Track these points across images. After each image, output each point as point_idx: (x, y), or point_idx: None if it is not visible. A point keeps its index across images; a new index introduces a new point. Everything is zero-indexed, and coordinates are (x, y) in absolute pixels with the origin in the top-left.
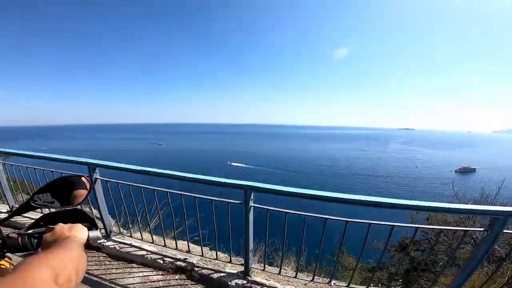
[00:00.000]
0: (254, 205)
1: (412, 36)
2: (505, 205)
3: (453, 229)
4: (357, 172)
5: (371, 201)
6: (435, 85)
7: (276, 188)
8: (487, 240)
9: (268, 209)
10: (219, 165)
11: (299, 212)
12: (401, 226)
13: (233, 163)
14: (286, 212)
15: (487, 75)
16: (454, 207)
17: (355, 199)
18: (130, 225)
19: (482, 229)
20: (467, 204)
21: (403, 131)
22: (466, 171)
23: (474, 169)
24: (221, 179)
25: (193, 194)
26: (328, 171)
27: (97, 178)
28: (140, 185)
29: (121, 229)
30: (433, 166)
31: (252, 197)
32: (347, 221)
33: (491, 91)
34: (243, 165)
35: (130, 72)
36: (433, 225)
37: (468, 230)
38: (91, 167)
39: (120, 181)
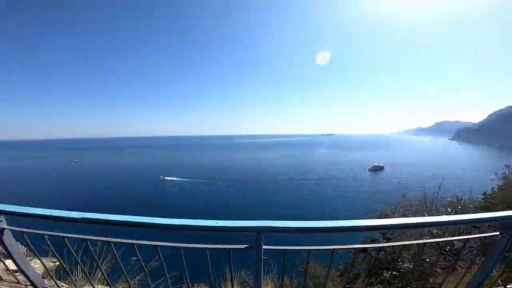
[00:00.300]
0: (268, 247)
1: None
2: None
3: (472, 237)
4: (293, 178)
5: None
6: (344, 95)
7: (298, 226)
8: (502, 242)
9: (286, 249)
10: (149, 180)
11: (322, 247)
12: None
13: (166, 178)
14: (310, 250)
15: (383, 88)
16: (473, 217)
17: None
18: (73, 277)
19: (497, 233)
20: (477, 213)
21: (325, 137)
22: (377, 169)
23: (383, 167)
24: (223, 222)
25: (176, 244)
26: (265, 179)
27: (4, 228)
28: (83, 237)
29: (60, 283)
30: (351, 166)
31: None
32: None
33: (388, 100)
34: (178, 178)
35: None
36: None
37: (486, 236)
38: None
39: (45, 232)
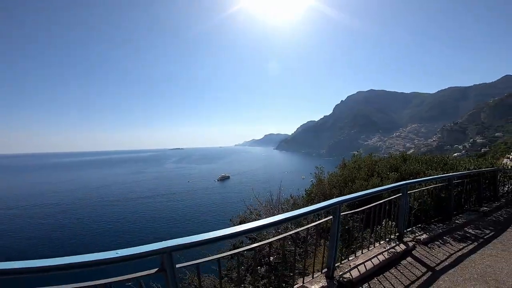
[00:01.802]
0: (181, 265)
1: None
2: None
3: (318, 223)
4: (138, 196)
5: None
6: (191, 113)
7: (209, 237)
8: (334, 223)
9: (198, 263)
10: None
11: (229, 252)
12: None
13: None
14: (219, 258)
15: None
16: (307, 210)
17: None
18: None
19: (331, 217)
20: (311, 205)
21: (174, 151)
22: (224, 179)
23: (229, 176)
24: (125, 251)
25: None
26: (105, 200)
27: None
28: None
29: None
30: (201, 178)
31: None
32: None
33: (231, 117)
34: None
35: None
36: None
37: (321, 222)
38: None
39: None
